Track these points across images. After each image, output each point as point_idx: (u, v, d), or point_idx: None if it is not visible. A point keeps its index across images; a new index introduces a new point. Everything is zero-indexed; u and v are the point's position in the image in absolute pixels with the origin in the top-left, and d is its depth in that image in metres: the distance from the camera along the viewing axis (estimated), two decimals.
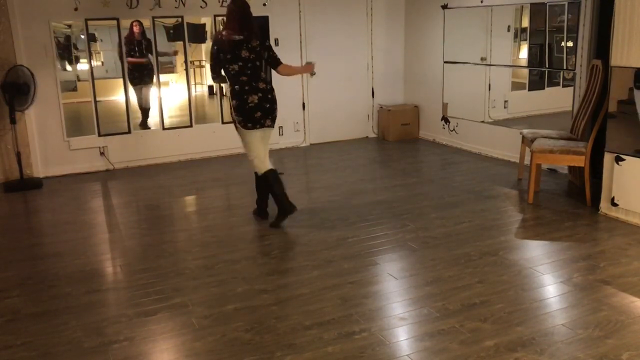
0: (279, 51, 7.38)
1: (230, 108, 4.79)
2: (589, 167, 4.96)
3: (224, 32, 4.70)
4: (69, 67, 7.02)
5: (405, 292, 3.56)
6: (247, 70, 4.67)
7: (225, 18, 4.80)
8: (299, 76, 7.63)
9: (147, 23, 6.88)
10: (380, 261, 4.02)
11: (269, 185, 4.83)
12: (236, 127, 4.81)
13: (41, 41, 6.35)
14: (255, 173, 4.91)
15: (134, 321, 3.29)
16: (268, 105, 4.72)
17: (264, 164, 4.80)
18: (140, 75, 7.11)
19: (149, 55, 7.04)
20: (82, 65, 6.84)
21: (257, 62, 4.72)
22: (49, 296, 3.64)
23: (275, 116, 4.82)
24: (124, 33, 6.83)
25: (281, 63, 4.86)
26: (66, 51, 6.89)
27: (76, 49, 6.95)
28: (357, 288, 3.61)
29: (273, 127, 4.86)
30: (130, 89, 6.95)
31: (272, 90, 4.79)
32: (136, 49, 7.02)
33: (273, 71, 4.97)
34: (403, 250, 4.21)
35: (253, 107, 4.66)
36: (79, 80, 7.03)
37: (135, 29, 6.93)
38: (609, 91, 4.63)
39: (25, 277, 3.95)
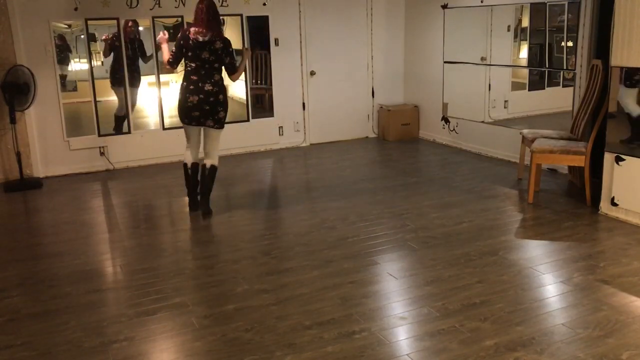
0: (279, 51, 7.51)
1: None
2: (589, 167, 4.96)
3: (191, 30, 4.87)
4: (69, 67, 7.00)
5: (405, 291, 3.56)
6: (202, 70, 4.88)
7: (194, 16, 4.96)
8: (299, 76, 7.68)
9: (147, 23, 6.88)
10: (380, 261, 4.02)
11: (189, 175, 5.14)
12: None
13: (41, 41, 6.36)
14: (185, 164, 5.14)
15: (134, 321, 3.29)
16: (208, 107, 4.87)
17: (191, 156, 5.10)
18: (122, 77, 6.89)
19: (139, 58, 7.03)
20: (82, 65, 6.82)
21: (215, 64, 4.90)
22: (49, 296, 3.64)
23: (219, 118, 4.96)
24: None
25: (236, 71, 5.02)
26: (66, 51, 6.87)
27: (75, 49, 6.94)
28: (357, 288, 3.61)
29: (218, 128, 5.00)
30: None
31: (218, 93, 4.91)
32: (129, 47, 6.98)
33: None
34: (403, 250, 4.21)
35: (191, 107, 4.88)
36: (65, 78, 6.95)
37: (128, 29, 6.90)
38: (609, 91, 4.63)
39: (25, 277, 3.96)
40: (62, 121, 6.62)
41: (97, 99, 6.76)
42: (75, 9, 6.45)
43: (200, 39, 4.84)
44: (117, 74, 6.88)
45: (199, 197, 5.17)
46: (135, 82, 7.08)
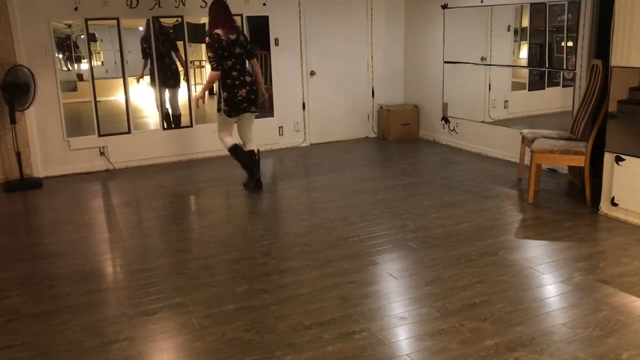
0: (279, 51, 7.51)
1: (220, 97, 5.52)
2: (589, 167, 4.96)
3: (219, 32, 5.32)
4: (69, 67, 7.00)
5: (405, 291, 3.56)
6: (237, 65, 5.44)
7: (211, 19, 5.48)
8: (299, 76, 7.70)
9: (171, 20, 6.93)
10: (380, 261, 4.02)
11: (240, 155, 5.68)
12: (218, 112, 5.57)
13: (41, 41, 6.36)
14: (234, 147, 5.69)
15: (134, 321, 3.29)
16: (253, 97, 5.53)
17: (229, 139, 5.64)
18: (164, 77, 7.08)
19: (172, 54, 7.07)
20: (82, 65, 6.83)
21: (244, 56, 5.51)
22: (49, 296, 3.64)
23: (258, 103, 5.65)
24: (133, 32, 6.87)
25: (255, 57, 5.69)
26: (66, 51, 6.88)
27: (77, 47, 6.95)
28: (357, 288, 3.61)
29: (256, 111, 5.70)
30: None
31: (254, 82, 5.57)
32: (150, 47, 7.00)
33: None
34: (403, 250, 4.21)
35: (241, 100, 5.45)
36: (81, 79, 6.98)
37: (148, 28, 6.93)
38: (609, 91, 4.63)
39: (25, 277, 3.96)
40: (62, 121, 6.62)
41: (97, 99, 6.76)
42: (75, 9, 6.45)
43: (232, 37, 5.38)
44: (153, 73, 6.99)
45: (253, 177, 5.77)
46: (168, 81, 7.09)
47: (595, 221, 4.69)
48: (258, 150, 5.79)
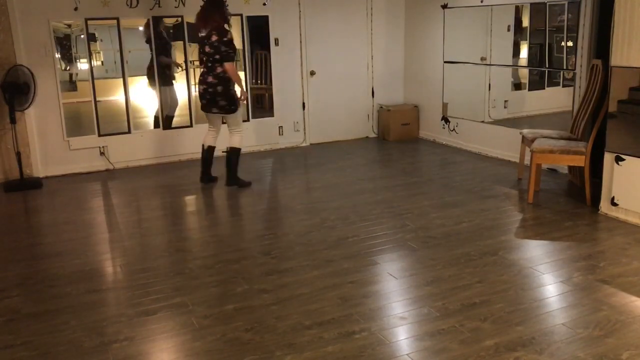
0: (279, 51, 7.51)
1: None
2: (589, 167, 4.96)
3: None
4: (68, 67, 7.01)
5: (405, 291, 3.56)
6: (208, 63, 5.49)
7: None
8: (299, 76, 7.69)
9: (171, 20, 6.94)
10: (380, 261, 4.02)
11: (203, 154, 5.92)
12: None
13: (41, 41, 6.36)
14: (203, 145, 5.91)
15: (134, 321, 3.29)
16: (209, 97, 5.54)
17: (207, 138, 5.85)
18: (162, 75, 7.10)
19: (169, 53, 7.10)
20: (82, 65, 6.83)
21: (216, 56, 5.44)
22: (49, 296, 3.64)
23: (221, 106, 5.56)
24: (133, 32, 6.88)
25: (230, 61, 5.46)
26: (66, 51, 6.88)
27: (76, 46, 6.95)
28: (357, 288, 3.61)
29: (222, 113, 5.67)
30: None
31: (217, 84, 5.48)
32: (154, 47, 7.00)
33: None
34: (403, 250, 4.21)
35: (200, 94, 5.62)
36: (71, 79, 6.98)
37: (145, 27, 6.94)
38: (609, 91, 4.63)
39: (25, 277, 3.95)
40: (62, 121, 6.61)
41: (97, 99, 6.76)
42: (75, 9, 6.45)
43: (200, 35, 5.47)
44: (150, 71, 7.02)
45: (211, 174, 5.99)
46: (162, 80, 7.08)
47: (595, 221, 4.69)
48: (228, 148, 5.82)
